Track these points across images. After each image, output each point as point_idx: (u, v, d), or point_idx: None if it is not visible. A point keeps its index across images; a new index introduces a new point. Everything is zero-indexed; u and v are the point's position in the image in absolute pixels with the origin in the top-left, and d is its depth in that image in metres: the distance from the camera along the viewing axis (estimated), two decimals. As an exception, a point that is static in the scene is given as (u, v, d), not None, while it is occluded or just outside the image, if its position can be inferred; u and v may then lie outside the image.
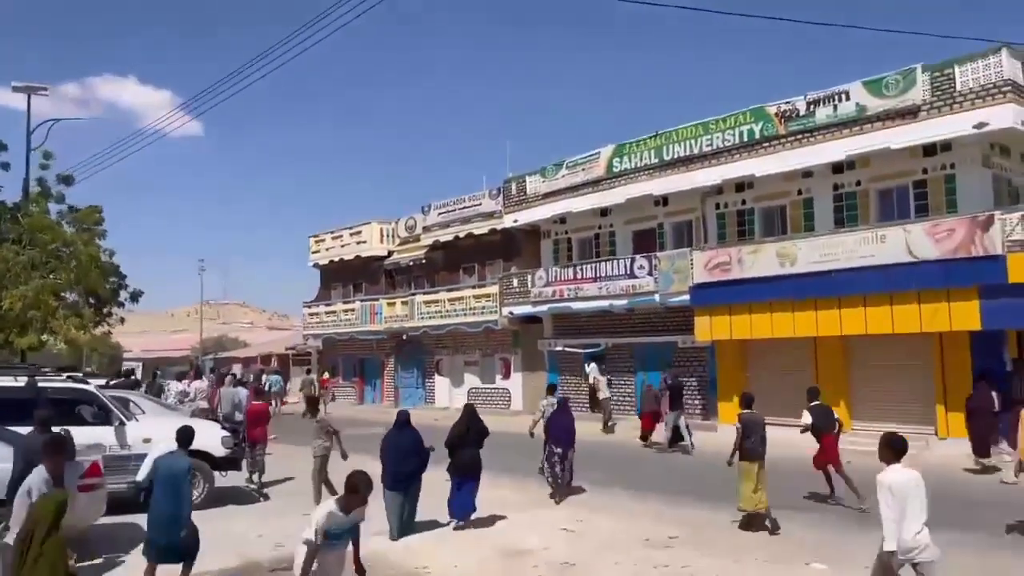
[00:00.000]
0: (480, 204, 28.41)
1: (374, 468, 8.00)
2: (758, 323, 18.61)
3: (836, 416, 11.92)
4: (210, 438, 11.43)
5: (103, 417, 10.66)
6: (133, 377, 24.31)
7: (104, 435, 10.44)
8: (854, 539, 8.86)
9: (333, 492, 10.73)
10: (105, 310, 28.94)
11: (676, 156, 21.57)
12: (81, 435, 10.10)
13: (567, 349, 24.66)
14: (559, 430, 12.22)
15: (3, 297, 21.31)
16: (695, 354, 21.50)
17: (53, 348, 25.21)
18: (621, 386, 23.50)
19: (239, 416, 14.63)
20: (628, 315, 23.12)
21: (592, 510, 11.19)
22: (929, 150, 17.25)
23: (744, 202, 20.95)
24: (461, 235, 29.08)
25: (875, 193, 18.51)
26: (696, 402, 21.58)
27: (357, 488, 5.67)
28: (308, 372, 34.08)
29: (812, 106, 18.65)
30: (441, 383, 30.01)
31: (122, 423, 10.72)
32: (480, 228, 28.27)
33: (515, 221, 26.45)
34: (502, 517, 10.66)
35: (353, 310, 33.20)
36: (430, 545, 9.36)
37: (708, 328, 19.74)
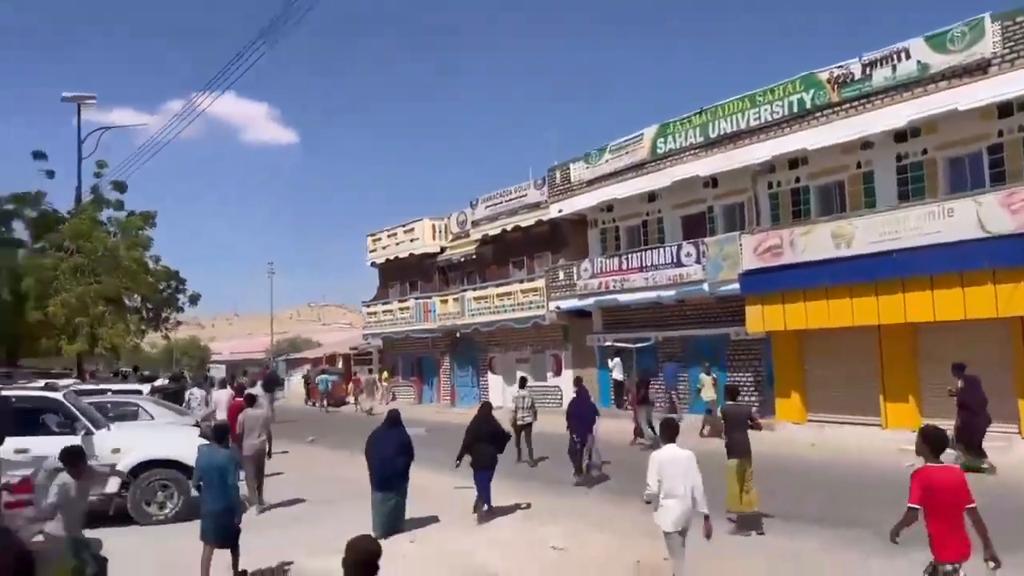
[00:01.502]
0: (526, 195, 27.32)
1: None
2: (814, 311, 16.86)
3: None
4: (185, 447, 10.79)
5: (69, 426, 10.18)
6: (183, 381, 24.30)
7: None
8: (878, 564, 7.39)
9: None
10: (164, 314, 29.46)
11: (723, 133, 19.93)
12: (39, 446, 9.75)
13: (616, 344, 23.28)
14: (576, 419, 12.91)
15: (49, 304, 21.69)
16: (749, 347, 19.82)
17: (112, 354, 25.67)
18: (675, 381, 21.97)
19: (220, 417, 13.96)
20: (678, 306, 21.59)
21: (592, 524, 10.00)
22: (1004, 110, 15.08)
23: (798, 179, 19.09)
24: (509, 228, 28.07)
25: (944, 162, 16.40)
26: (752, 399, 19.89)
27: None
28: (370, 372, 34.05)
29: (868, 69, 16.73)
30: (494, 381, 29.11)
31: (88, 432, 10.20)
32: (527, 220, 27.19)
33: (560, 211, 25.23)
34: (490, 527, 9.67)
35: (408, 308, 32.72)
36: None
37: (760, 318, 18.09)
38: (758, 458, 10.42)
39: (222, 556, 7.78)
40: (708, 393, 18.34)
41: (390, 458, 9.82)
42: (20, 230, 24.82)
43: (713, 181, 20.90)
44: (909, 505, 5.16)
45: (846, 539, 8.71)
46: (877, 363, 16.38)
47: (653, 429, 16.82)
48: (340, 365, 41.99)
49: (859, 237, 15.85)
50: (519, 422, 15.40)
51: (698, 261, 19.76)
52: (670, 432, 6.78)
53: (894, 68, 16.24)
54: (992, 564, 5.08)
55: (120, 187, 26.30)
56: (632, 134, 22.69)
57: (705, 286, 19.60)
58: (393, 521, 9.80)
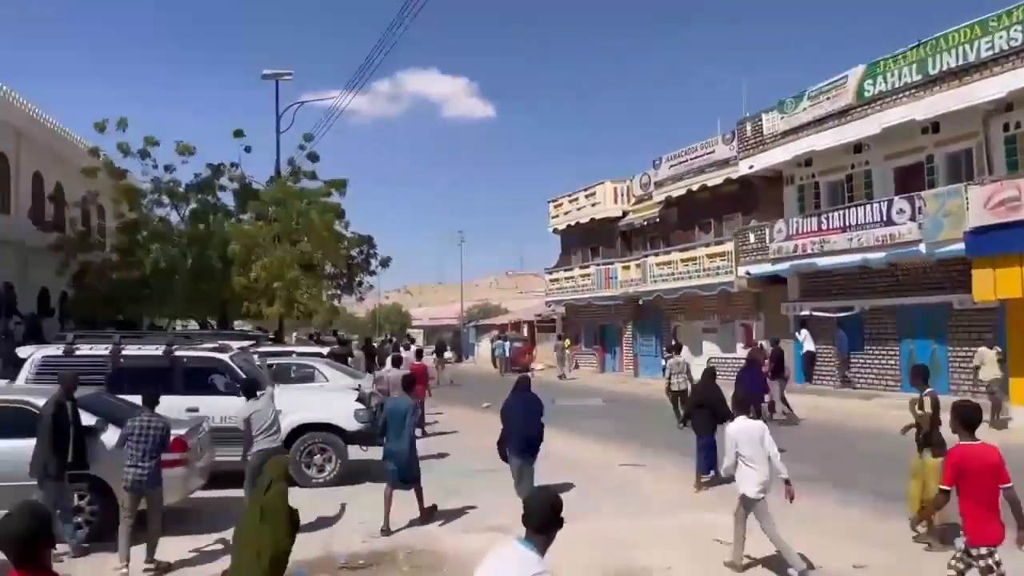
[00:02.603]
0: (713, 152, 25.36)
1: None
2: (1063, 276, 14.01)
3: None
4: (340, 411, 10.71)
5: (234, 387, 10.36)
6: (349, 346, 25.16)
7: (233, 405, 10.13)
8: None
9: None
10: (357, 279, 30.84)
11: (946, 68, 17.04)
12: (205, 405, 10.00)
13: (815, 313, 21.04)
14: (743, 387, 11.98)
15: (252, 269, 23.13)
16: (977, 318, 16.99)
17: (305, 317, 27.16)
18: (880, 357, 19.50)
19: None
20: (888, 271, 19.00)
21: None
22: None
23: (1044, 118, 15.93)
24: (694, 188, 26.25)
25: None
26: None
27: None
28: (559, 339, 33.86)
29: None
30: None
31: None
32: (714, 179, 25.25)
33: (751, 167, 23.10)
34: (650, 510, 8.68)
35: (589, 275, 31.90)
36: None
37: (991, 284, 15.39)
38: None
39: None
40: (991, 371, 15.08)
41: (532, 424, 9.37)
42: (227, 200, 26.74)
43: (933, 126, 18.02)
44: (940, 487, 5.07)
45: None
46: None
47: (787, 404, 16.32)
48: (525, 332, 42.14)
49: None
50: (673, 388, 15.37)
51: (913, 218, 17.15)
52: (742, 406, 7.29)
53: None
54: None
55: (313, 157, 27.62)
56: (834, 77, 20.14)
57: (922, 247, 17.00)
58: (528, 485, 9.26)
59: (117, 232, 25.51)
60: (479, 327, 50.66)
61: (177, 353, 10.40)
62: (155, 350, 10.48)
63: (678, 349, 16.66)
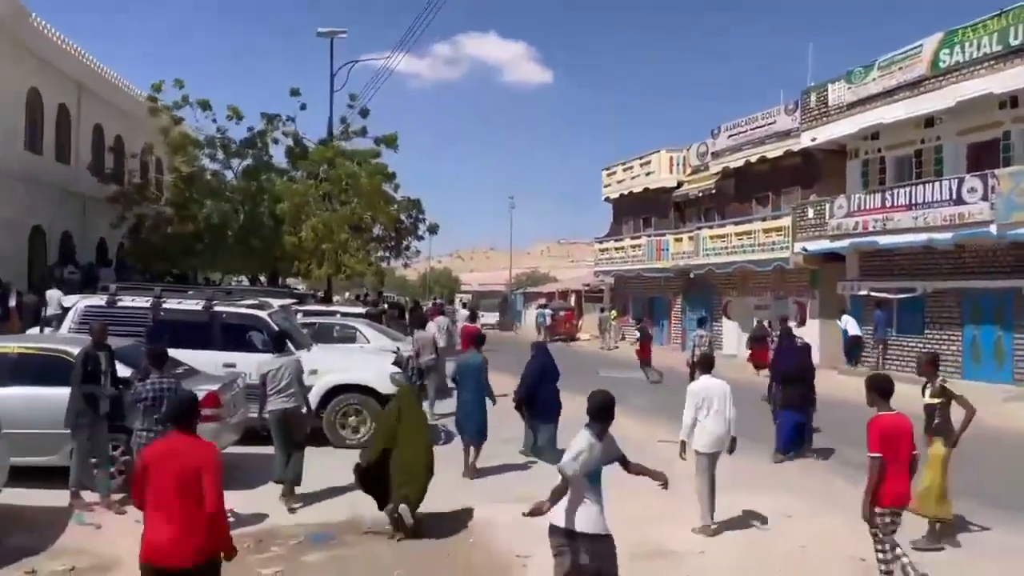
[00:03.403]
0: (774, 122, 24.43)
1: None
2: None
3: None
4: (376, 374, 10.60)
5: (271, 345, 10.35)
6: (381, 307, 25.11)
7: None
8: None
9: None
10: (404, 243, 30.86)
11: (1031, 38, 15.96)
12: (242, 362, 10.00)
13: (873, 294, 20.24)
14: (783, 364, 11.09)
15: (301, 228, 23.26)
16: (1048, 305, 16.10)
17: (352, 279, 27.34)
18: (943, 342, 18.68)
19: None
20: (954, 252, 18.09)
21: (816, 497, 8.34)
22: None
23: None
24: (753, 160, 25.39)
25: None
26: (1047, 369, 16.29)
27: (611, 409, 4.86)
28: (603, 310, 33.56)
29: None
30: (729, 327, 27.01)
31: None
32: (774, 151, 24.36)
33: (813, 139, 22.18)
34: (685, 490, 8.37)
35: (640, 246, 31.32)
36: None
37: (1066, 270, 14.50)
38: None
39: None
40: None
41: (556, 388, 9.88)
42: (280, 157, 26.88)
43: (1012, 100, 16.98)
44: (870, 455, 5.29)
45: None
46: None
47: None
48: (572, 301, 41.82)
49: None
50: (696, 360, 14.76)
51: (985, 198, 16.24)
52: (706, 365, 7.64)
53: None
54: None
55: (364, 113, 27.46)
56: (908, 46, 19.08)
57: (993, 228, 16.11)
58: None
59: (172, 186, 25.93)
60: (527, 294, 50.49)
61: (216, 308, 10.41)
62: (195, 305, 10.51)
63: (702, 322, 18.22)
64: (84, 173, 24.61)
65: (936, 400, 7.02)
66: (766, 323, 20.53)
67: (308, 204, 23.66)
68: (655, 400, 16.04)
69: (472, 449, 9.20)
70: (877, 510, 5.33)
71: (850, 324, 20.29)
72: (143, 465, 4.02)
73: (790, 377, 10.63)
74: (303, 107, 25.99)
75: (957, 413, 6.99)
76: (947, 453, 6.96)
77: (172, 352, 8.70)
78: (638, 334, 21.16)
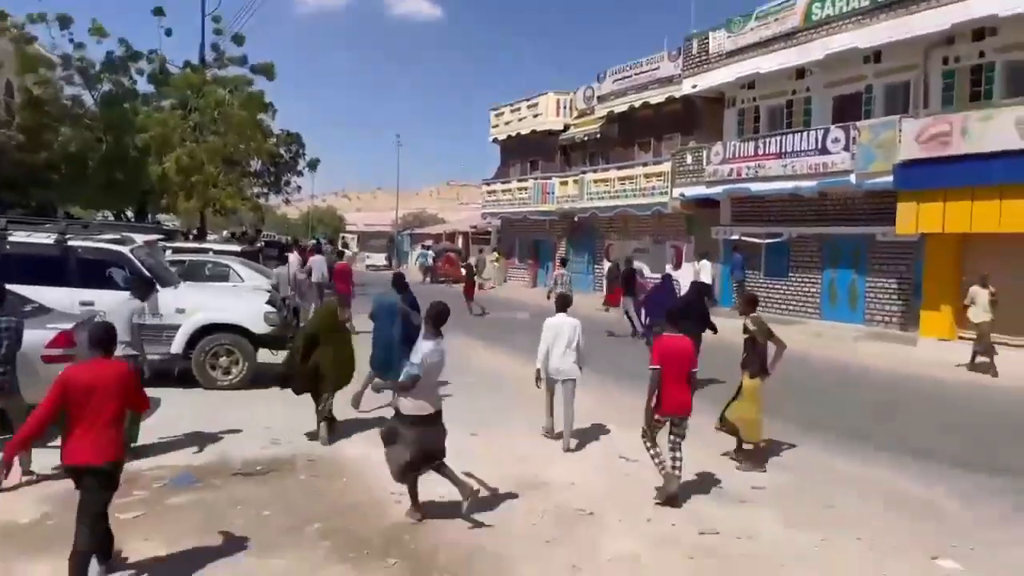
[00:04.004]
0: (658, 68, 24.81)
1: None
2: (982, 213, 14.29)
3: None
4: (249, 312, 10.22)
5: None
6: (258, 245, 24.30)
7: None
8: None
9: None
10: (284, 179, 29.63)
11: (895, -4, 16.76)
12: (101, 300, 9.38)
13: (744, 238, 21.19)
14: (653, 304, 12.83)
15: (164, 161, 21.87)
16: (897, 250, 17.32)
17: (225, 215, 26.10)
18: (803, 284, 19.85)
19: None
20: (818, 200, 19.10)
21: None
22: None
23: (982, 54, 15.87)
24: (637, 105, 25.78)
25: None
26: (893, 308, 17.62)
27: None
28: (481, 252, 33.53)
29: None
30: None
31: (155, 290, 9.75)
32: (657, 96, 24.79)
33: (694, 87, 22.70)
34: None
35: (527, 189, 31.43)
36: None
37: (914, 218, 15.60)
38: (894, 377, 8.58)
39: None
40: (981, 312, 13.01)
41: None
42: (143, 85, 25.07)
43: (875, 55, 17.89)
44: (650, 367, 6.33)
45: (989, 489, 7.08)
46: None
47: (632, 321, 16.82)
48: (460, 243, 41.73)
49: (1055, 125, 12.96)
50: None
51: (847, 148, 17.17)
52: (562, 304, 8.30)
53: None
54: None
55: (239, 40, 25.84)
56: (786, -3, 19.69)
57: (852, 177, 17.10)
58: None
59: (22, 109, 23.71)
60: (414, 235, 49.96)
61: (71, 243, 9.68)
62: (46, 238, 9.74)
63: (564, 263, 21.31)
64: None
65: (744, 336, 7.53)
66: (620, 264, 21.14)
67: (175, 134, 22.21)
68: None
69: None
70: (656, 416, 6.32)
71: (704, 271, 19.47)
72: (62, 383, 4.49)
73: (675, 314, 10.83)
74: (168, 32, 24.20)
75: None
76: (755, 384, 7.44)
77: (22, 289, 8.11)
78: (464, 271, 24.30)
